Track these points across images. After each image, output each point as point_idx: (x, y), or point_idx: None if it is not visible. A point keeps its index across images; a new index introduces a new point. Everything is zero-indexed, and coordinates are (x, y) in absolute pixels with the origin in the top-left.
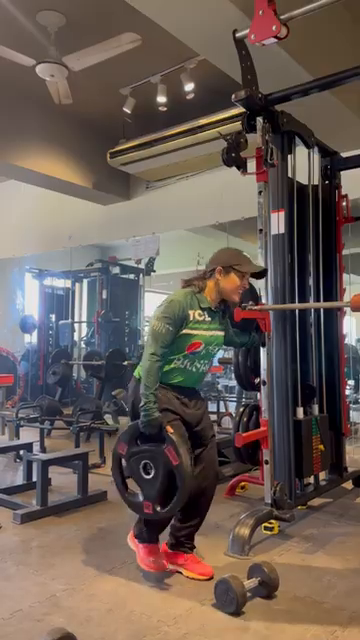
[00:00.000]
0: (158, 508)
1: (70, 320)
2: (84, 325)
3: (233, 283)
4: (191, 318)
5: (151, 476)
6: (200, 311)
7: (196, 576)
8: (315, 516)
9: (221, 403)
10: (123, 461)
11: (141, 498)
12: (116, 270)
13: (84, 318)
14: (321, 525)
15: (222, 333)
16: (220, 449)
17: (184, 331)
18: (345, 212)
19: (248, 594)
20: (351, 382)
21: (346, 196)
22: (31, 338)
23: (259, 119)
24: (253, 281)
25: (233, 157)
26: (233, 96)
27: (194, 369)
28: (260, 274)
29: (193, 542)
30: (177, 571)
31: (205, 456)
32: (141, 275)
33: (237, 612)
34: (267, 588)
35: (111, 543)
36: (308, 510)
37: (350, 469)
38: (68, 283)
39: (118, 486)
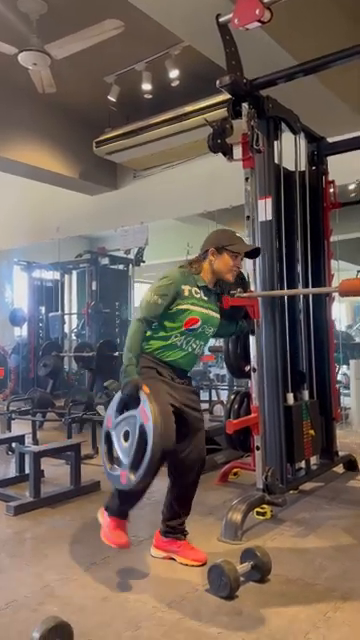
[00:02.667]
0: (132, 477)
1: (60, 312)
2: (75, 317)
3: (226, 263)
4: (186, 294)
5: (128, 443)
6: (197, 288)
7: (190, 562)
8: (307, 500)
9: (213, 392)
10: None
11: (118, 470)
12: (105, 261)
13: (74, 310)
14: (313, 509)
15: (217, 315)
16: (212, 437)
17: (181, 306)
18: (332, 198)
19: (241, 578)
20: (344, 368)
21: (333, 182)
22: (21, 331)
23: (244, 105)
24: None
25: (219, 143)
26: (218, 82)
27: (190, 349)
28: (253, 253)
29: (185, 529)
30: (171, 558)
31: (192, 441)
32: (130, 266)
33: (231, 596)
34: (260, 572)
35: None
36: (300, 494)
37: (341, 453)
38: (57, 275)
39: (103, 460)
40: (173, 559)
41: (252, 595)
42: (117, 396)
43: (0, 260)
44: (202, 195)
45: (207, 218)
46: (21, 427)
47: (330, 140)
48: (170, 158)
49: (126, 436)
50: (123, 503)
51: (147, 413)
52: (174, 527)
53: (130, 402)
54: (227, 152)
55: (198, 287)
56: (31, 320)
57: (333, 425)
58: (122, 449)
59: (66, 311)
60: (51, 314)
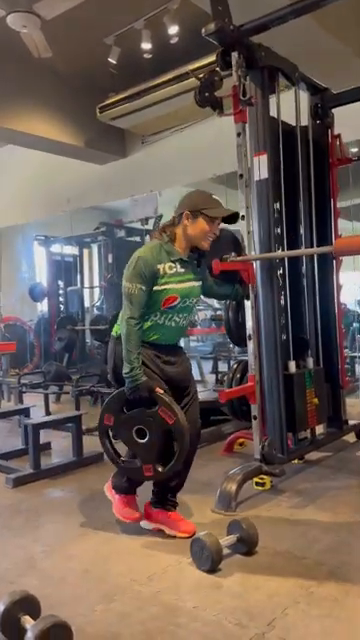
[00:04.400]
0: (160, 469)
1: (79, 286)
2: (97, 290)
3: (201, 229)
4: (161, 272)
5: (146, 440)
6: (171, 264)
7: (178, 534)
8: (311, 470)
9: (232, 362)
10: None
11: (139, 463)
12: (122, 233)
13: (96, 283)
14: (316, 479)
15: (199, 283)
16: (219, 407)
17: (157, 287)
18: (339, 153)
19: (227, 551)
20: None
21: (339, 136)
22: (41, 306)
23: (234, 54)
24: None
25: (206, 97)
26: (203, 30)
27: (173, 324)
28: (231, 218)
29: (176, 500)
30: (159, 529)
31: (187, 411)
32: (147, 237)
33: (213, 569)
34: (246, 544)
35: (100, 504)
36: (305, 464)
37: (352, 422)
38: (75, 249)
39: (110, 457)
40: (162, 530)
41: (235, 568)
42: (116, 395)
43: (15, 235)
44: (211, 159)
45: (217, 183)
46: (35, 400)
47: (336, 92)
48: (177, 121)
49: (140, 433)
50: (130, 484)
51: (171, 414)
52: (163, 498)
53: (136, 402)
54: (216, 106)
55: (172, 261)
56: (51, 294)
57: (340, 393)
58: (137, 445)
59: (86, 285)
60: (69, 288)
